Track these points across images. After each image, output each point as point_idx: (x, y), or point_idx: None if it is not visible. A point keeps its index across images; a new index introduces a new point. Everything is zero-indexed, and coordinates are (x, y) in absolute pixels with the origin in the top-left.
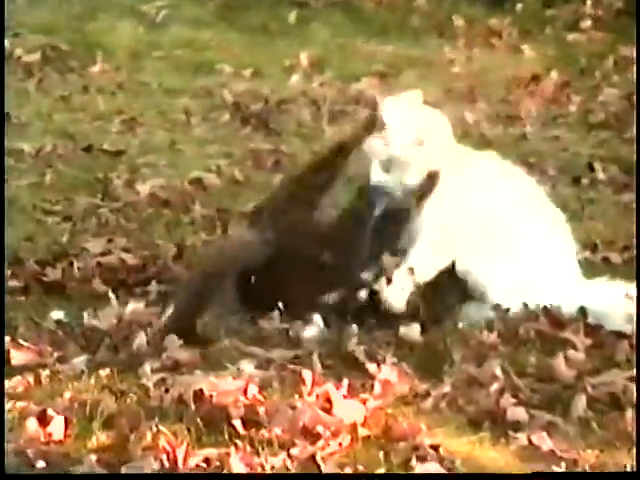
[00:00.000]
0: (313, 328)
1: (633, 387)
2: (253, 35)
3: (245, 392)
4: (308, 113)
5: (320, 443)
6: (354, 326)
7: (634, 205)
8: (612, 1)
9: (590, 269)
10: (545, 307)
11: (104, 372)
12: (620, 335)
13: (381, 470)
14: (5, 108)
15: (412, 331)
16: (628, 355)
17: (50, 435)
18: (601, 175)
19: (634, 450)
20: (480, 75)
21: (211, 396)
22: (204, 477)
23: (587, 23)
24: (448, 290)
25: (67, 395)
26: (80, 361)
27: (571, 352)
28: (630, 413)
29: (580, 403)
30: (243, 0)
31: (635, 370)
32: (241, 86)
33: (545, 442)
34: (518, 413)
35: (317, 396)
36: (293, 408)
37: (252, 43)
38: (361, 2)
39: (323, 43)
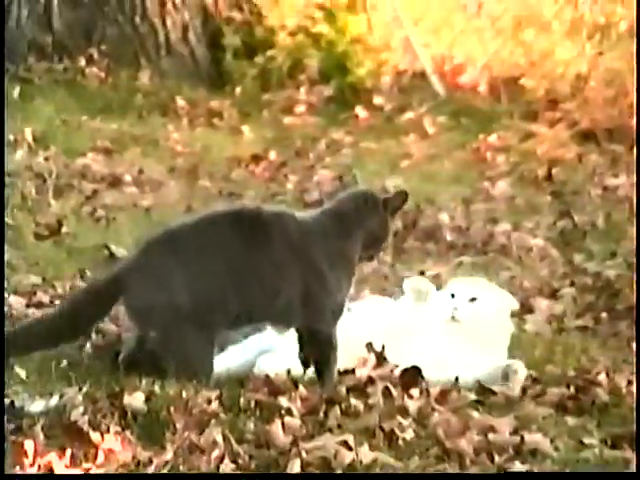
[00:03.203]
0: (41, 402)
1: (344, 451)
2: None
3: None
4: (33, 187)
5: None
6: (79, 396)
7: None
8: (323, 89)
9: None
10: (266, 375)
11: None
12: (331, 401)
13: None
14: None
15: (136, 400)
16: (339, 420)
17: None
18: None
19: None
20: (203, 154)
21: None
22: (204, 477)
23: (301, 108)
24: None
25: None
26: None
27: (287, 418)
28: None
29: (295, 467)
30: None
31: (635, 370)
32: None
33: None
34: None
35: (39, 466)
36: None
37: None
38: (85, 80)
39: (47, 119)
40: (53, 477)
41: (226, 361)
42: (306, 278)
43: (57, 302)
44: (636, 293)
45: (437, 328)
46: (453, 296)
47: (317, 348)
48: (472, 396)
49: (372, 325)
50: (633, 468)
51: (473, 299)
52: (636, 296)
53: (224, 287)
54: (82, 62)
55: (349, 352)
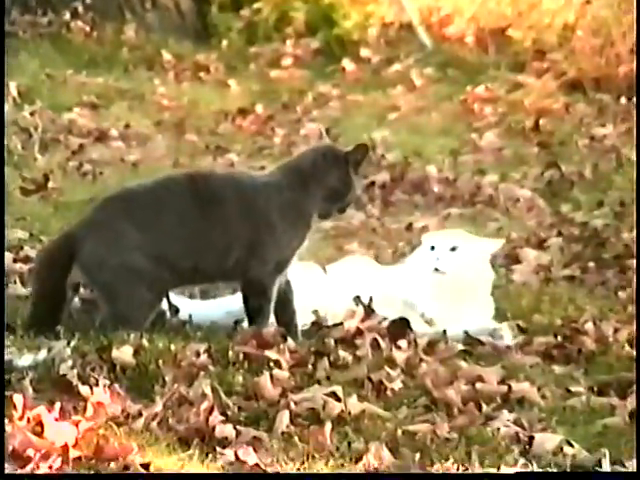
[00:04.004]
0: (30, 356)
1: (332, 402)
2: None
3: None
4: (19, 141)
5: (30, 466)
6: (68, 350)
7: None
8: (309, 42)
9: None
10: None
11: None
12: (319, 353)
13: None
14: None
15: (124, 353)
16: (327, 372)
17: None
18: None
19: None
20: (189, 108)
21: None
22: (204, 477)
23: (288, 61)
24: None
25: None
26: None
27: (276, 371)
28: (329, 426)
29: (284, 418)
30: None
31: (635, 368)
32: None
33: (250, 457)
34: (226, 430)
35: (28, 420)
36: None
37: None
38: (70, 34)
39: (32, 73)
40: (53, 477)
41: (210, 313)
42: (256, 229)
43: None
44: (636, 245)
45: (421, 281)
46: (433, 248)
47: (253, 297)
48: (460, 346)
49: (358, 282)
50: (619, 415)
51: (454, 248)
52: (636, 249)
53: (176, 247)
54: (67, 16)
55: (336, 308)
